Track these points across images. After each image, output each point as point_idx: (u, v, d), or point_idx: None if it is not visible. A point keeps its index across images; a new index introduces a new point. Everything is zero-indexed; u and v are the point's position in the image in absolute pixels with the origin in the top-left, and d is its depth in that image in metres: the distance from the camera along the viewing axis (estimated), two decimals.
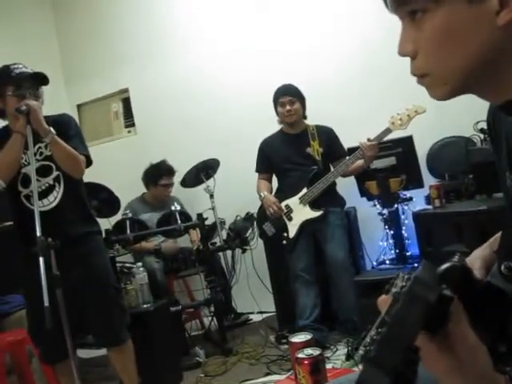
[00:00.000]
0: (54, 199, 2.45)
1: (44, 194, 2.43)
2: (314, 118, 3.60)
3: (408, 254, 3.53)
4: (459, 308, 0.59)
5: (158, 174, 4.21)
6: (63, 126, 2.50)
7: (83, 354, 3.66)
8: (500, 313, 0.72)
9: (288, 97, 3.45)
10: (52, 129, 2.33)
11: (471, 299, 0.64)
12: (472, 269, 0.89)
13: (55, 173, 2.47)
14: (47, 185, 2.45)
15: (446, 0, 0.62)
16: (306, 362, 1.54)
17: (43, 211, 2.36)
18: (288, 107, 3.44)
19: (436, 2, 0.62)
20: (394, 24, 0.73)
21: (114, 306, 2.53)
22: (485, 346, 0.61)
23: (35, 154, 2.41)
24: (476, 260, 0.90)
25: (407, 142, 3.48)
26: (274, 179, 3.71)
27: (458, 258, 0.64)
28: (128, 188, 4.27)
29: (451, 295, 0.58)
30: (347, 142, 3.57)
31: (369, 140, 3.21)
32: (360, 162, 3.33)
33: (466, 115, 3.00)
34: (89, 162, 2.54)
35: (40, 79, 2.42)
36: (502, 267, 0.79)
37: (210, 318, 3.89)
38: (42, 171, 2.44)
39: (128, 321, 2.64)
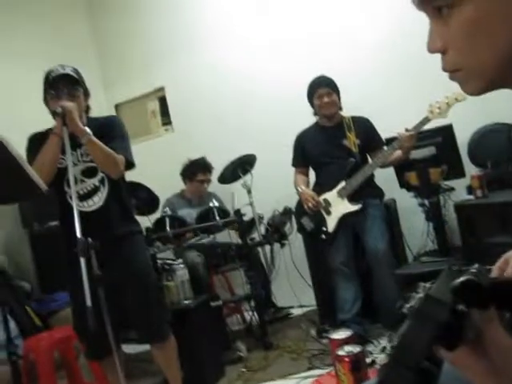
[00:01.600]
0: (98, 200, 2.48)
1: (89, 195, 2.48)
2: (349, 109, 3.55)
3: (450, 245, 3.45)
4: (491, 311, 0.58)
5: (194, 169, 4.28)
6: (108, 127, 2.53)
7: (129, 349, 3.74)
8: None
9: (326, 88, 3.41)
10: (88, 129, 2.35)
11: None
12: (501, 265, 0.86)
13: (100, 174, 2.50)
14: (93, 186, 2.49)
15: None
16: (346, 359, 1.53)
17: (88, 212, 2.42)
18: (326, 99, 3.40)
19: None
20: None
21: (154, 304, 2.58)
22: None
23: (82, 155, 2.46)
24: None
25: (447, 131, 3.38)
26: (312, 173, 3.69)
27: (475, 270, 0.62)
28: (167, 185, 4.34)
29: (464, 310, 0.56)
30: (385, 132, 3.51)
31: (407, 130, 3.14)
32: (398, 152, 3.26)
33: (509, 101, 2.89)
34: (130, 165, 2.56)
35: (70, 79, 2.44)
36: None
37: (250, 313, 3.92)
38: (88, 172, 2.48)
39: (169, 318, 2.69)
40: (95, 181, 2.49)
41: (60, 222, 2.61)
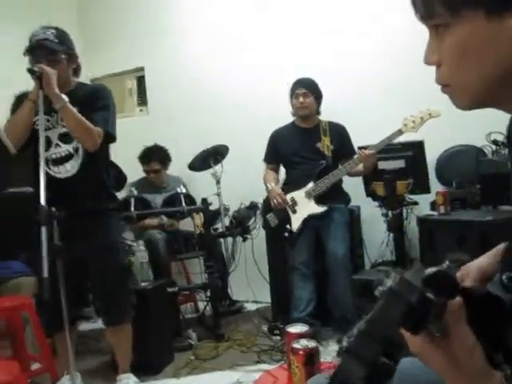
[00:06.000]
0: (71, 168, 2.43)
1: (62, 161, 2.42)
2: (327, 113, 3.60)
3: (408, 258, 3.53)
4: (460, 308, 0.61)
5: (142, 158, 4.26)
6: (93, 96, 2.48)
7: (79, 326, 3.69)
8: (497, 321, 0.73)
9: (303, 89, 3.46)
10: (65, 96, 2.32)
11: (469, 306, 0.66)
12: (461, 276, 0.91)
13: (75, 142, 2.44)
14: (67, 152, 2.43)
15: (465, 16, 0.64)
16: (301, 352, 1.56)
17: (59, 178, 2.37)
18: (301, 99, 3.45)
19: (456, 17, 0.65)
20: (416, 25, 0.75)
21: (119, 286, 2.54)
22: (480, 346, 0.62)
23: (61, 120, 2.41)
24: (472, 268, 0.92)
25: (418, 146, 3.45)
26: (282, 171, 3.72)
27: (447, 264, 0.66)
28: (134, 166, 4.26)
29: (432, 298, 0.60)
30: (360, 140, 3.55)
31: (365, 148, 3.21)
32: (360, 166, 3.34)
33: (480, 125, 2.98)
34: (110, 137, 2.52)
35: (50, 45, 2.38)
36: (504, 277, 0.80)
37: (205, 303, 3.92)
38: (65, 138, 2.43)
39: (133, 301, 2.65)
40: (70, 147, 2.44)
41: (34, 188, 2.53)
